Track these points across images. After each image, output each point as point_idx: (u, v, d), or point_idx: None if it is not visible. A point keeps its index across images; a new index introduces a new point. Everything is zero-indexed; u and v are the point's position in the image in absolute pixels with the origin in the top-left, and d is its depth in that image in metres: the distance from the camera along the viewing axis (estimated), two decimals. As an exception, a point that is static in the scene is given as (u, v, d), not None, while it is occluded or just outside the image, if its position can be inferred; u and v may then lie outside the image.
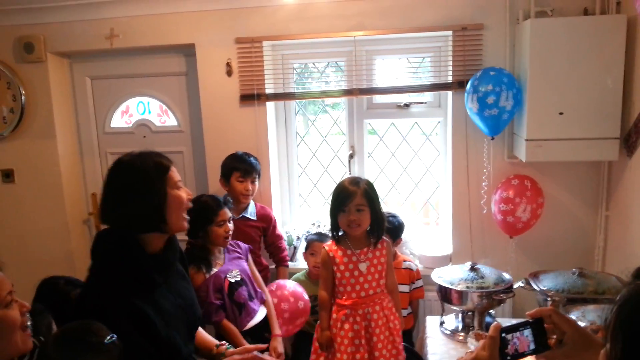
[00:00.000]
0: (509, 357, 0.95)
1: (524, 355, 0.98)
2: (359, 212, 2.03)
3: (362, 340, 2.07)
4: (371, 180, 2.15)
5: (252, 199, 2.77)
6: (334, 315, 2.11)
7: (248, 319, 2.31)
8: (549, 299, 1.94)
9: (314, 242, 2.71)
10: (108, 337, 1.24)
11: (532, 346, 0.98)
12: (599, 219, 2.64)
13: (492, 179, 2.67)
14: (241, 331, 2.28)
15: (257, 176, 2.72)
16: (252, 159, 2.73)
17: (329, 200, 3.14)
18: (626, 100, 2.30)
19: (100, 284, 1.42)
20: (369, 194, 2.05)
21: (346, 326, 2.07)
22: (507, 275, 2.17)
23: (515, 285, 2.11)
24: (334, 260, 2.09)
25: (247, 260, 2.45)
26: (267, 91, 2.87)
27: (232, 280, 2.29)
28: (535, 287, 2.00)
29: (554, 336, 1.02)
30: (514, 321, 2.26)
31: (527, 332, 0.99)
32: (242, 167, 2.66)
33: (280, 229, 2.96)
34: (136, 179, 1.45)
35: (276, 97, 2.91)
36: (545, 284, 1.99)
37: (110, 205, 1.47)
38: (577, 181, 2.66)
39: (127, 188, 1.45)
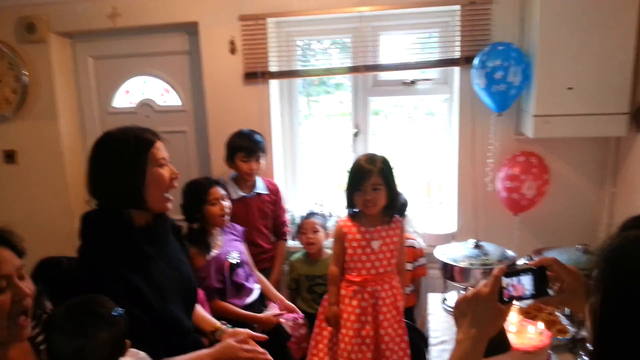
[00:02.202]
0: (506, 299, 1.00)
1: (521, 299, 1.04)
2: (375, 191, 2.01)
3: (369, 317, 2.08)
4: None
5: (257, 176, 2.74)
6: (343, 291, 2.12)
7: (245, 298, 2.35)
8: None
9: (302, 220, 2.74)
10: (115, 310, 1.24)
11: (529, 292, 1.03)
12: (604, 195, 2.62)
13: (498, 156, 2.64)
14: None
15: (261, 154, 2.68)
16: (256, 136, 2.68)
17: (332, 180, 3.18)
18: (636, 74, 2.25)
19: (92, 261, 1.40)
20: (385, 172, 2.03)
21: (354, 302, 2.08)
22: (510, 253, 2.16)
23: (519, 262, 2.10)
24: (347, 236, 2.09)
25: (243, 242, 2.48)
26: (271, 69, 2.84)
27: (233, 262, 2.32)
28: (540, 263, 1.99)
29: (557, 284, 1.09)
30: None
31: (526, 278, 1.03)
32: (245, 147, 2.62)
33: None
34: (115, 154, 1.42)
35: (280, 75, 2.88)
36: (550, 260, 1.98)
37: (92, 180, 1.45)
38: (584, 158, 2.63)
39: (107, 164, 1.43)
